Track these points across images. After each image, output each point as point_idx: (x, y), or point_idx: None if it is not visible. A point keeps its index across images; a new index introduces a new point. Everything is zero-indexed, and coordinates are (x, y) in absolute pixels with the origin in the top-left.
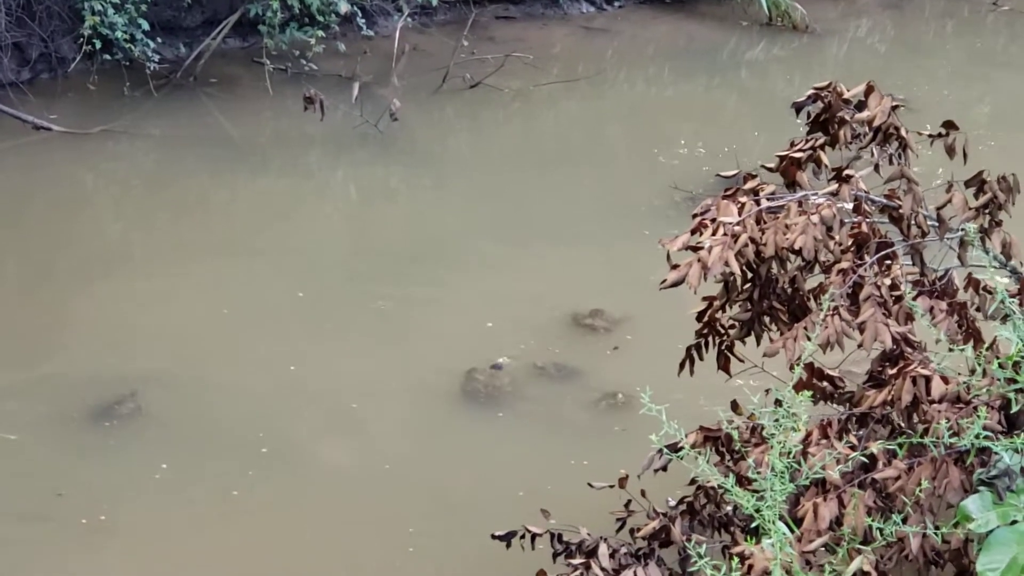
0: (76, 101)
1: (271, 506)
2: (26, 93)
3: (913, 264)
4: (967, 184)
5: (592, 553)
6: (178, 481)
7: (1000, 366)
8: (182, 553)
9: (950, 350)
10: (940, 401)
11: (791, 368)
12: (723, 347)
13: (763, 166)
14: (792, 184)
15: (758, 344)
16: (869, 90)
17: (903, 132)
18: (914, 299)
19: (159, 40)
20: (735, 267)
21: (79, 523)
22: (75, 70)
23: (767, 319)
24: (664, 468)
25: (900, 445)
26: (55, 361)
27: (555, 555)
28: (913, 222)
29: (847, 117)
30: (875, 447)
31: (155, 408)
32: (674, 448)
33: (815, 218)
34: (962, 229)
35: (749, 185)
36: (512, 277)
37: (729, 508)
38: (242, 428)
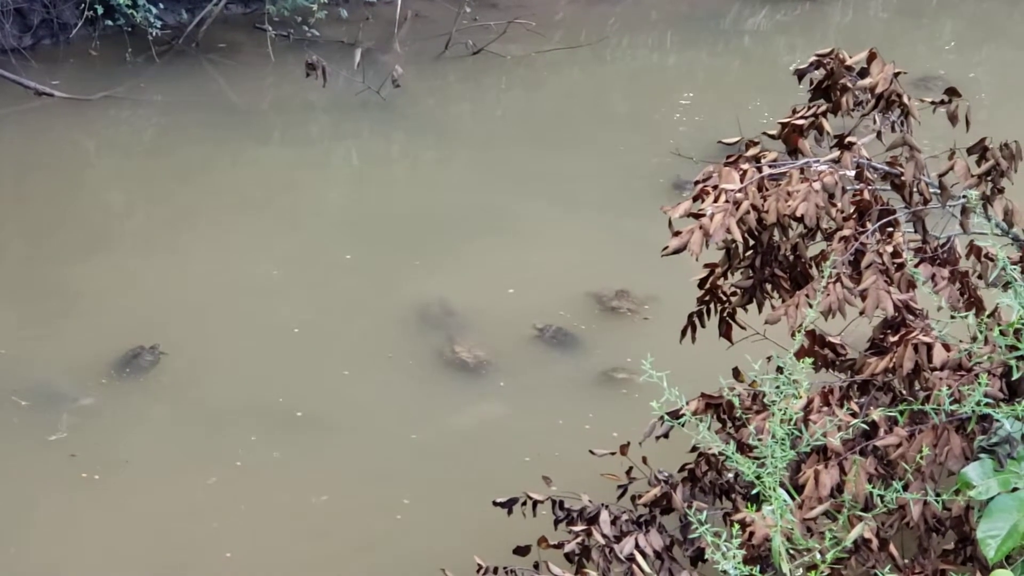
0: (78, 67)
1: (273, 469)
2: (28, 59)
3: (915, 231)
4: (969, 151)
5: (593, 520)
6: (177, 444)
7: (1001, 333)
8: (175, 511)
9: (952, 317)
10: (941, 368)
11: (793, 335)
12: (725, 314)
13: (765, 133)
14: (794, 151)
15: (760, 311)
16: (871, 57)
17: (905, 99)
18: (916, 266)
19: (161, 6)
20: (737, 234)
21: (81, 478)
22: (77, 36)
23: (769, 286)
24: (666, 435)
25: (901, 412)
26: (63, 326)
27: (556, 522)
28: (915, 189)
29: (849, 84)
30: (876, 414)
31: (161, 372)
32: (675, 415)
33: (817, 185)
34: (964, 196)
35: (751, 152)
36: (518, 245)
37: (730, 475)
38: (246, 392)
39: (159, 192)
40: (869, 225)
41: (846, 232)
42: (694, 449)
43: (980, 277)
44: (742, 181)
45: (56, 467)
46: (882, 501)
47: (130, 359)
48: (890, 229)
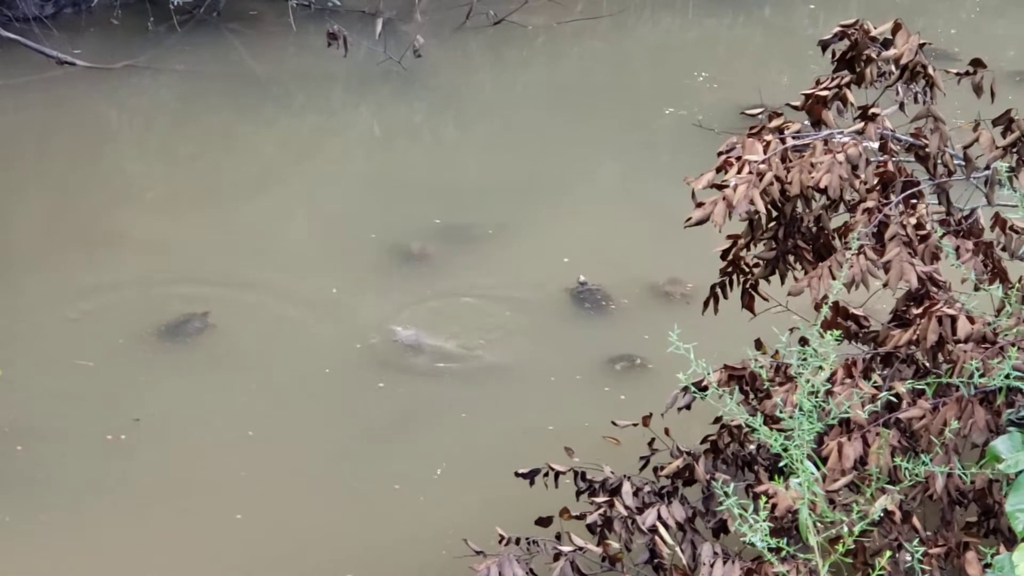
0: (100, 36)
1: (311, 436)
2: (50, 28)
3: (939, 203)
4: (995, 123)
5: (616, 491)
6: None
7: None
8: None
9: (976, 289)
10: (966, 341)
11: (816, 307)
12: (747, 286)
13: (788, 104)
14: (818, 122)
15: (782, 283)
16: (896, 28)
17: (930, 70)
18: (940, 238)
19: None
20: (760, 205)
21: (105, 439)
22: (99, 5)
23: (792, 258)
24: (688, 407)
25: (928, 385)
26: (97, 293)
27: (578, 493)
28: (939, 161)
29: (874, 55)
30: (901, 387)
31: (206, 339)
32: (699, 386)
33: (841, 157)
34: (989, 168)
35: (774, 123)
36: (545, 217)
37: (753, 447)
38: (282, 359)
39: (181, 160)
40: (893, 197)
41: (870, 204)
42: (716, 421)
43: (1005, 249)
44: (765, 152)
45: (113, 431)
46: (907, 474)
47: (179, 325)
48: (914, 201)
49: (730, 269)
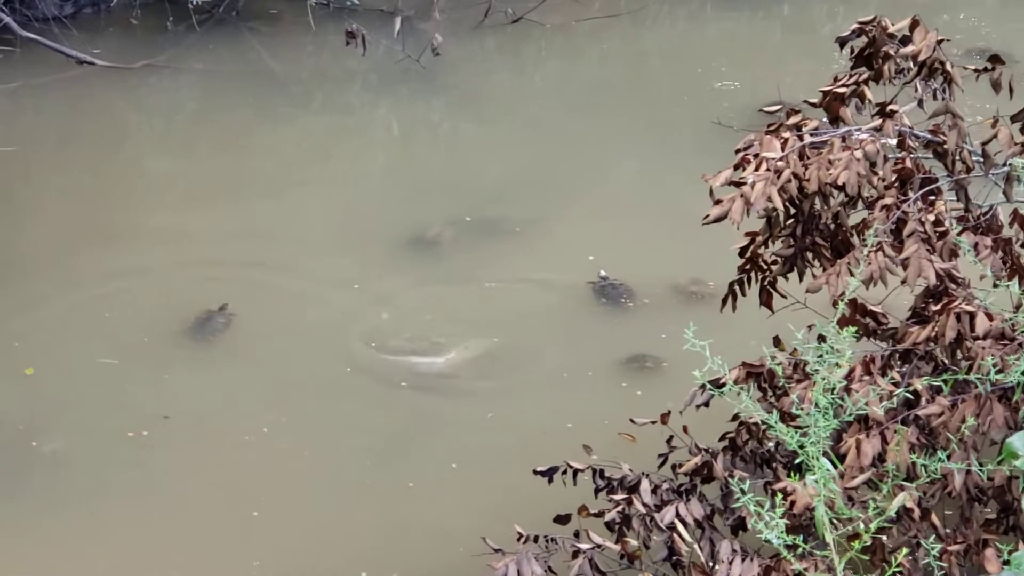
0: (119, 36)
1: (329, 434)
2: (69, 28)
3: (957, 200)
4: (1013, 119)
5: (634, 489)
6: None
7: None
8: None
9: (995, 286)
10: (984, 337)
11: (834, 304)
12: (766, 283)
13: (806, 101)
14: (836, 119)
15: (800, 280)
16: (914, 24)
17: (948, 66)
18: (959, 235)
19: None
20: (778, 202)
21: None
22: (118, 5)
23: (810, 255)
24: (706, 404)
25: (945, 382)
26: (118, 289)
27: (597, 491)
28: (958, 157)
29: (892, 51)
30: (919, 383)
31: (232, 334)
32: (717, 384)
33: (859, 153)
34: (1008, 164)
35: (792, 120)
36: (567, 214)
37: (771, 444)
38: (304, 357)
39: (200, 159)
40: (911, 193)
41: (888, 200)
42: (735, 418)
43: (1023, 246)
44: (783, 149)
45: (134, 428)
46: (926, 471)
47: (202, 322)
48: (932, 198)
49: (748, 266)
